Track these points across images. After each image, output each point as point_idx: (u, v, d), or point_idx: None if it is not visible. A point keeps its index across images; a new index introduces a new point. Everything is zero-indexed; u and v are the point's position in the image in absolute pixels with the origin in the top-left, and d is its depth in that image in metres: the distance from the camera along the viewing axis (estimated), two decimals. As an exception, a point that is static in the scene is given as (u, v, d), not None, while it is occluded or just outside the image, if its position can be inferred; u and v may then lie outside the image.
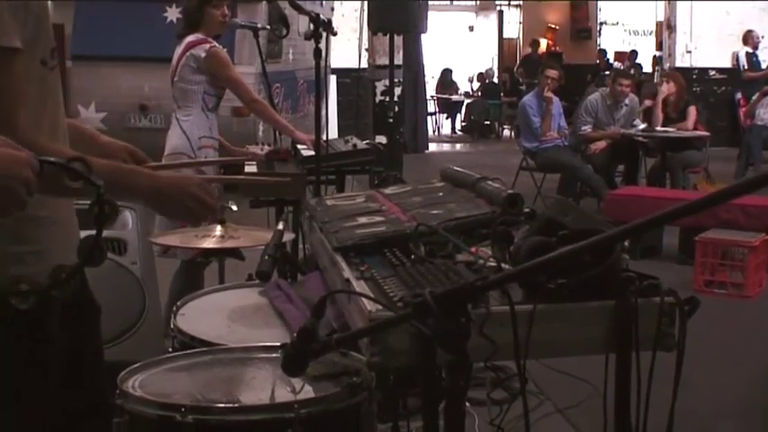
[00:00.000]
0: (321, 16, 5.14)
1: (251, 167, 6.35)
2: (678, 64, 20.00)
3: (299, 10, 5.12)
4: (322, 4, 16.93)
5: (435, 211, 3.36)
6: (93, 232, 2.43)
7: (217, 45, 6.34)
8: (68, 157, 2.37)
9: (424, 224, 3.07)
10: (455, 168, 3.92)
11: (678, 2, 20.32)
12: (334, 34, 5.04)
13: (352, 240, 3.16)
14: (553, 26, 27.69)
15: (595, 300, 2.52)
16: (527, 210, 3.17)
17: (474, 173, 3.69)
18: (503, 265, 2.68)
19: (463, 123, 25.62)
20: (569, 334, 2.53)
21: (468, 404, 4.09)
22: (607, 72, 21.35)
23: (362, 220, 3.45)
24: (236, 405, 2.59)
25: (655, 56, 25.81)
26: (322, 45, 5.03)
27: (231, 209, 4.57)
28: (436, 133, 24.76)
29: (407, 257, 2.93)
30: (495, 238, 2.86)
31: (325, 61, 5.08)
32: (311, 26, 5.27)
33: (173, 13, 13.19)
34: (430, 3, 10.01)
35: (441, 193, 3.70)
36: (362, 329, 2.38)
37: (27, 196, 2.12)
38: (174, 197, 2.76)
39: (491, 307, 2.35)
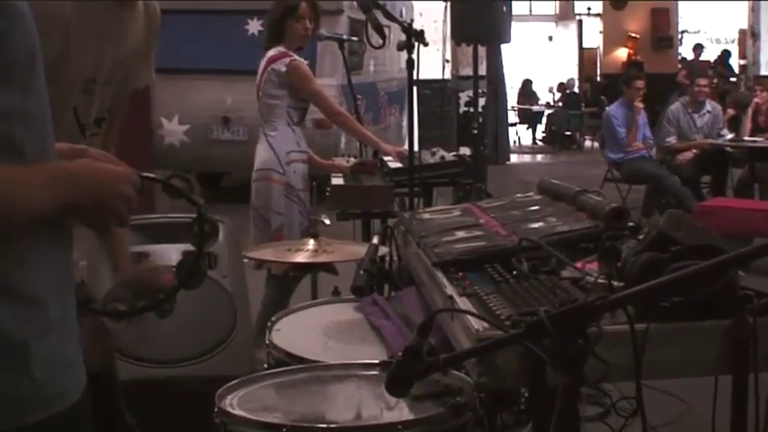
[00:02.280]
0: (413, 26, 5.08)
1: (337, 180, 6.32)
2: (763, 72, 19.71)
3: (392, 19, 5.08)
4: (402, 14, 16.94)
5: (535, 225, 3.30)
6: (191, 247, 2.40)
7: (297, 59, 6.33)
8: (169, 174, 2.34)
9: (528, 239, 2.99)
10: (552, 181, 3.85)
11: (762, 9, 20.02)
12: (426, 44, 4.98)
13: (452, 255, 3.10)
14: (634, 35, 27.43)
15: (710, 319, 2.43)
16: (632, 224, 3.10)
17: (573, 185, 3.62)
18: (612, 282, 2.60)
19: (544, 134, 25.48)
20: (682, 354, 2.46)
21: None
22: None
23: (461, 234, 3.40)
24: (338, 426, 2.53)
25: (739, 64, 25.48)
26: (414, 56, 4.97)
27: (324, 223, 4.53)
28: (517, 144, 24.64)
29: (509, 273, 2.86)
30: (603, 254, 2.77)
31: (417, 72, 5.00)
32: (398, 37, 5.23)
33: (254, 26, 13.25)
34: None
35: (539, 207, 3.64)
36: (473, 350, 2.30)
37: (128, 211, 2.08)
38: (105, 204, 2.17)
39: (603, 326, 2.28)
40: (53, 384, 1.92)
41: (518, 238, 3.05)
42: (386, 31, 5.35)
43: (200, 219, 2.37)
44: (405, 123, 5.50)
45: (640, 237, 2.91)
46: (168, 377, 4.21)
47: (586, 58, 29.35)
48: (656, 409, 5.11)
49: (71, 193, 1.94)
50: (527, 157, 23.15)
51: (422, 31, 4.97)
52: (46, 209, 1.88)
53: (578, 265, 2.86)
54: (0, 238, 1.82)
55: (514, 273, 2.87)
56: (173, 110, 13.84)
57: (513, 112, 24.83)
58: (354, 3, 5.63)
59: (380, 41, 5.10)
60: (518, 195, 3.97)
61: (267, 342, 3.36)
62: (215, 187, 15.62)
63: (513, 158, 21.31)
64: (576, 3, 29.45)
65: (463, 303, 2.66)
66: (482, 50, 13.00)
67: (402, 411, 2.58)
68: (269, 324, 3.54)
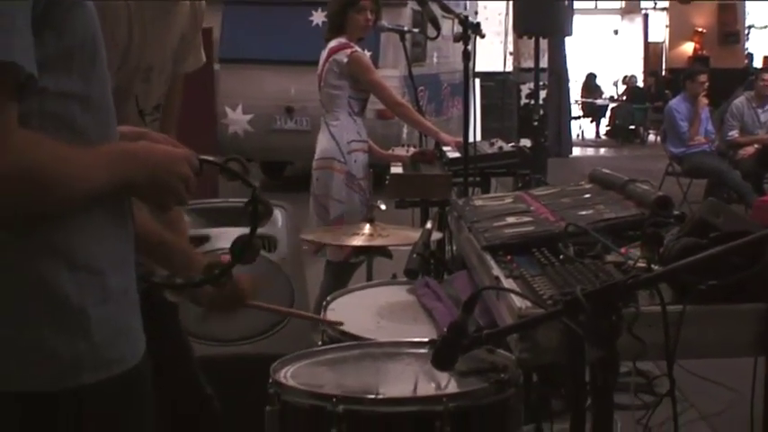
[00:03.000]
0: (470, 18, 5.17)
1: (397, 169, 6.41)
2: (835, 67, 19.51)
3: (449, 12, 5.17)
4: (466, 7, 16.98)
5: (584, 212, 3.37)
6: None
7: (358, 50, 6.41)
8: (226, 158, 2.46)
9: (574, 224, 3.08)
10: (603, 170, 3.93)
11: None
12: (483, 36, 5.05)
13: (501, 240, 3.19)
14: (700, 29, 27.27)
15: (747, 302, 2.51)
16: (677, 212, 3.17)
17: (622, 175, 3.70)
18: (653, 266, 2.68)
19: (608, 128, 25.41)
20: (718, 336, 2.52)
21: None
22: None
23: (511, 219, 3.48)
24: (385, 397, 2.63)
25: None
26: (470, 47, 5.06)
27: (380, 208, 4.63)
28: (580, 137, 24.61)
29: (556, 257, 2.95)
30: (646, 239, 2.85)
31: (474, 63, 5.09)
32: (459, 28, 5.31)
33: (318, 17, 13.37)
34: (575, 5, 9.96)
35: (589, 195, 3.71)
36: (513, 325, 2.41)
37: (186, 192, 2.19)
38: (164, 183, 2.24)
39: (640, 307, 2.36)
40: (110, 349, 2.03)
41: (565, 223, 3.14)
42: (445, 22, 5.45)
43: (254, 199, 2.49)
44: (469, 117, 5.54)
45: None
46: (226, 355, 4.34)
47: (652, 52, 29.23)
48: (707, 398, 5.18)
49: (129, 172, 2.05)
50: (590, 151, 23.10)
51: (478, 24, 5.06)
52: (105, 187, 1.98)
53: (622, 250, 2.94)
54: (61, 213, 1.95)
55: (560, 257, 2.95)
56: (237, 99, 14.00)
57: (576, 105, 24.78)
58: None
59: (435, 33, 5.19)
60: (569, 184, 4.05)
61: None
62: (277, 176, 15.76)
63: (576, 152, 21.28)
64: (642, -4, 29.33)
65: (509, 284, 2.75)
66: (544, 43, 13.05)
67: (449, 387, 2.68)
68: (324, 303, 3.65)
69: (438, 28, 5.10)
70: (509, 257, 3.05)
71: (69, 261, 1.96)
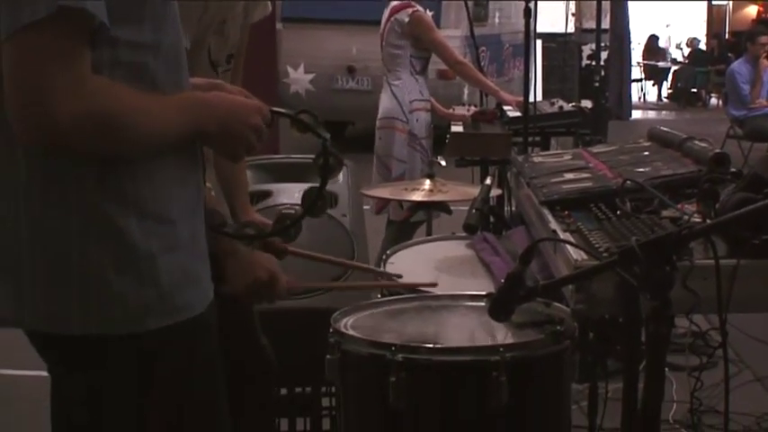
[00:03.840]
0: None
1: (457, 127, 6.44)
2: None
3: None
4: (529, -33, 16.88)
5: (642, 169, 3.40)
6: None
7: (420, 9, 6.44)
8: (297, 110, 2.51)
9: (631, 180, 3.12)
10: (662, 129, 3.95)
11: None
12: (545, -7, 5.08)
13: (559, 195, 3.23)
14: (764, -8, 26.96)
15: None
16: (733, 170, 3.19)
17: (680, 133, 3.72)
18: (708, 221, 2.72)
19: (669, 90, 25.19)
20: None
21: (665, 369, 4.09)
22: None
23: (569, 176, 3.52)
24: (443, 346, 2.68)
25: None
26: (531, 5, 5.06)
27: (440, 164, 4.68)
28: (642, 100, 24.43)
29: (613, 213, 2.99)
30: (702, 195, 2.88)
31: (534, 25, 5.10)
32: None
33: (381, -23, 13.34)
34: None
35: (647, 153, 3.74)
36: (568, 276, 2.46)
37: (258, 142, 2.24)
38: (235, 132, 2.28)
39: (695, 260, 2.40)
40: (177, 296, 2.08)
41: (622, 179, 3.17)
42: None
43: (324, 151, 2.53)
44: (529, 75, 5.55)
45: (740, 180, 3.01)
46: (288, 308, 4.40)
47: (715, 14, 28.89)
48: (762, 359, 5.19)
49: (202, 120, 2.11)
50: (651, 114, 22.91)
51: (541, -19, 5.07)
52: (177, 134, 2.05)
53: (679, 206, 2.97)
54: (131, 160, 2.01)
55: (618, 212, 2.99)
56: (299, 59, 14.04)
57: (638, 67, 24.58)
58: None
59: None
60: (628, 142, 4.07)
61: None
62: (339, 137, 15.80)
63: (638, 114, 21.14)
64: (707, -42, 28.98)
65: (566, 237, 2.79)
66: (606, 4, 12.97)
67: (505, 338, 2.73)
68: (384, 257, 3.71)
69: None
70: (566, 212, 3.09)
71: (139, 208, 2.01)
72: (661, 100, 25.27)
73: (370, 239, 5.40)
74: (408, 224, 6.23)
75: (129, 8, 1.95)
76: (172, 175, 2.10)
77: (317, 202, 2.65)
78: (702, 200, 2.88)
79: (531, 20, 5.34)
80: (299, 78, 14.16)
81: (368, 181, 6.39)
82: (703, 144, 3.46)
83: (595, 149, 4.05)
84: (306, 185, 2.90)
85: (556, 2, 10.89)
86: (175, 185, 2.11)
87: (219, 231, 2.72)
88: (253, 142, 2.22)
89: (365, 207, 5.26)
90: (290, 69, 14.11)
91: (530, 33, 5.17)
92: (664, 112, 23.32)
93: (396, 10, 6.41)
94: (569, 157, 3.97)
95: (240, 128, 2.19)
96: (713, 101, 23.50)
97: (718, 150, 3.23)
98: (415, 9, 6.38)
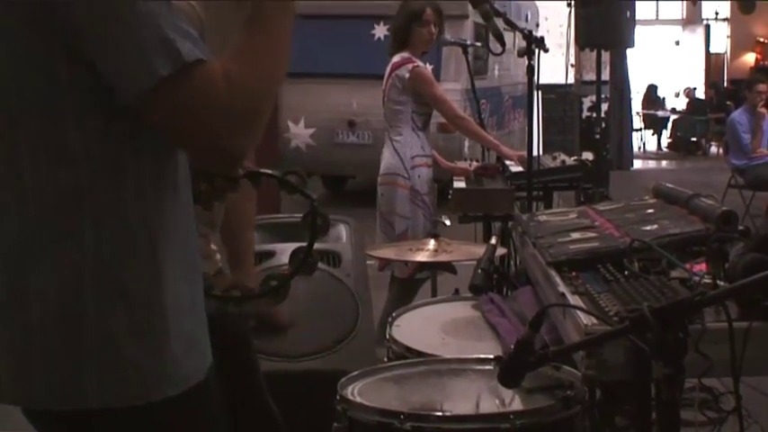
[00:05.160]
0: (534, 33, 5.16)
1: (460, 183, 6.43)
2: None
3: (513, 27, 5.17)
4: (527, 18, 16.97)
5: (648, 227, 3.38)
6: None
7: (420, 64, 6.44)
8: (284, 171, 2.51)
9: (639, 240, 3.09)
10: (667, 185, 3.93)
11: None
12: (546, 51, 5.05)
13: (566, 255, 3.20)
14: (762, 40, 27.06)
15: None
16: (741, 227, 3.17)
17: (686, 190, 3.70)
18: (718, 282, 2.69)
19: (669, 140, 25.24)
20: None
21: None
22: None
23: (575, 235, 3.50)
24: (452, 414, 2.65)
25: None
26: (534, 62, 5.05)
27: (444, 223, 4.66)
28: (642, 150, 24.47)
29: (621, 273, 2.96)
30: (710, 254, 2.86)
31: (538, 77, 5.09)
32: (520, 40, 5.30)
33: (380, 31, 13.41)
34: (636, 17, 9.91)
35: (653, 210, 3.72)
36: (580, 342, 2.42)
37: None
38: None
39: (706, 323, 2.37)
40: (185, 363, 2.06)
41: (630, 239, 3.15)
42: (506, 34, 5.44)
43: (312, 211, 2.54)
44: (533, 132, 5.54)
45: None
46: (292, 371, 4.36)
47: (714, 63, 28.99)
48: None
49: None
50: (652, 163, 22.95)
51: (542, 38, 5.05)
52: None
53: (687, 266, 2.94)
54: (142, 230, 1.99)
55: (626, 273, 2.97)
56: (299, 113, 14.06)
57: (638, 117, 24.65)
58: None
59: (500, 49, 5.18)
60: (633, 199, 4.06)
61: (387, 337, 3.51)
62: (339, 191, 15.82)
63: (638, 164, 21.17)
64: (703, 6, 29.09)
65: (575, 301, 2.77)
66: (606, 55, 13.00)
67: (514, 403, 2.69)
68: (390, 320, 3.68)
69: (503, 44, 5.09)
70: (574, 273, 3.07)
71: (149, 275, 1.99)
72: (661, 149, 25.31)
73: (373, 294, 5.37)
74: (413, 281, 6.20)
75: None
76: (177, 237, 2.07)
77: (305, 261, 2.65)
78: (711, 260, 2.86)
79: (532, 73, 5.32)
80: (299, 133, 14.18)
81: (370, 235, 6.37)
82: (710, 201, 3.44)
83: (600, 207, 4.03)
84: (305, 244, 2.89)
85: (557, 53, 10.95)
86: (180, 248, 2.09)
87: (207, 294, 2.71)
88: None
89: (369, 262, 5.24)
90: (290, 124, 14.13)
91: (533, 91, 5.17)
92: (664, 162, 23.36)
93: (397, 66, 6.41)
94: (574, 215, 3.95)
95: None
96: (713, 149, 23.55)
97: (725, 208, 3.21)
98: (416, 64, 6.38)
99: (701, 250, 3.07)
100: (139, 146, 1.97)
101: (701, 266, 2.96)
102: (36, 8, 1.87)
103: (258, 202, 3.55)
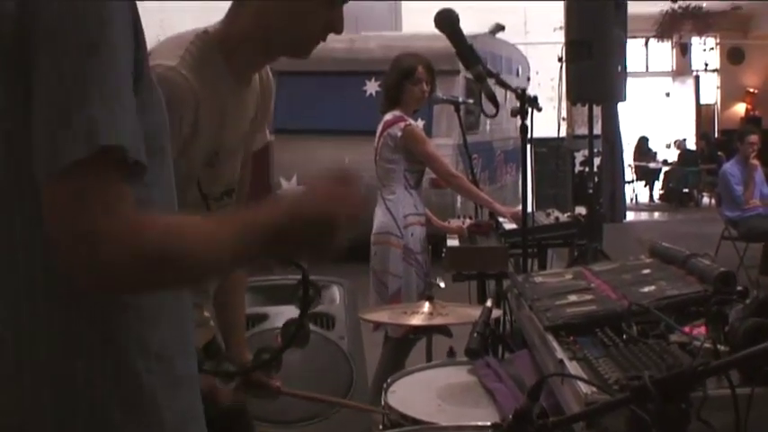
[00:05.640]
0: (526, 89, 5.15)
1: (453, 241, 6.41)
2: None
3: (506, 87, 5.15)
4: (518, 73, 17.02)
5: (646, 289, 3.34)
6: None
7: (412, 123, 6.44)
8: None
9: (637, 304, 3.06)
10: (663, 244, 3.90)
11: None
12: (540, 110, 5.03)
13: (564, 319, 3.16)
14: (752, 90, 27.20)
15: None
16: (739, 288, 3.14)
17: (683, 249, 3.67)
18: (719, 346, 2.65)
19: (661, 191, 25.31)
20: (789, 418, 2.48)
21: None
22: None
23: (573, 298, 3.46)
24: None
25: None
26: (528, 122, 5.02)
27: (439, 286, 4.63)
28: (634, 201, 24.51)
29: (619, 337, 2.92)
30: (710, 318, 2.83)
31: (531, 134, 5.05)
32: (511, 96, 5.29)
33: (372, 87, 13.45)
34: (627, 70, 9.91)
35: (649, 270, 3.69)
36: (580, 414, 2.38)
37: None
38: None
39: (708, 390, 2.33)
40: None
41: (628, 303, 3.11)
42: (501, 90, 5.42)
43: (304, 281, 2.50)
44: (526, 184, 5.51)
45: (747, 301, 2.95)
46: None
47: (704, 113, 29.14)
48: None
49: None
50: (644, 215, 23.00)
51: (536, 98, 5.02)
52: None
53: (686, 329, 2.91)
54: (132, 299, 1.93)
55: (624, 337, 2.93)
56: (291, 170, 14.07)
57: (629, 169, 24.71)
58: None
59: (494, 111, 5.16)
60: (630, 259, 4.03)
61: (383, 403, 3.46)
62: (332, 247, 15.79)
63: (630, 216, 21.20)
64: (693, 58, 29.28)
65: (573, 367, 2.73)
66: (597, 109, 13.03)
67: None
68: (385, 386, 3.63)
69: (497, 105, 5.06)
70: (572, 338, 3.02)
71: (143, 347, 1.94)
72: (653, 201, 25.36)
73: (367, 353, 5.33)
74: (407, 341, 6.16)
75: (149, 143, 1.85)
76: (171, 311, 2.03)
77: (297, 334, 2.62)
78: (711, 323, 2.82)
79: (526, 133, 5.30)
80: (291, 190, 14.17)
81: (364, 292, 6.33)
82: (707, 261, 3.41)
83: (596, 267, 3.99)
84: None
85: (548, 107, 10.98)
86: (174, 322, 2.04)
87: (198, 368, 2.68)
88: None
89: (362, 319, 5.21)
90: (283, 181, 14.14)
91: (527, 150, 5.14)
92: (656, 214, 23.42)
93: (389, 124, 6.40)
94: (570, 276, 3.92)
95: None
96: (705, 200, 23.61)
97: (723, 269, 3.18)
98: (407, 123, 6.37)
99: (700, 311, 3.04)
100: None
101: (700, 329, 2.93)
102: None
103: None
